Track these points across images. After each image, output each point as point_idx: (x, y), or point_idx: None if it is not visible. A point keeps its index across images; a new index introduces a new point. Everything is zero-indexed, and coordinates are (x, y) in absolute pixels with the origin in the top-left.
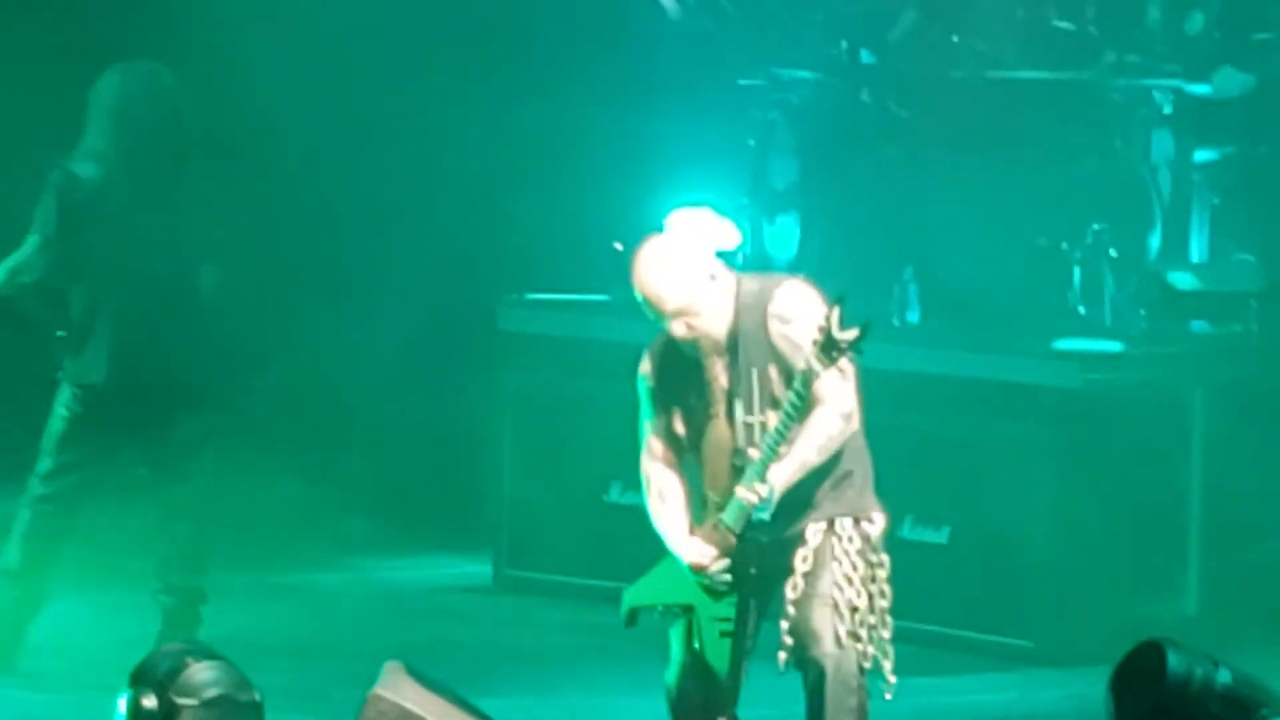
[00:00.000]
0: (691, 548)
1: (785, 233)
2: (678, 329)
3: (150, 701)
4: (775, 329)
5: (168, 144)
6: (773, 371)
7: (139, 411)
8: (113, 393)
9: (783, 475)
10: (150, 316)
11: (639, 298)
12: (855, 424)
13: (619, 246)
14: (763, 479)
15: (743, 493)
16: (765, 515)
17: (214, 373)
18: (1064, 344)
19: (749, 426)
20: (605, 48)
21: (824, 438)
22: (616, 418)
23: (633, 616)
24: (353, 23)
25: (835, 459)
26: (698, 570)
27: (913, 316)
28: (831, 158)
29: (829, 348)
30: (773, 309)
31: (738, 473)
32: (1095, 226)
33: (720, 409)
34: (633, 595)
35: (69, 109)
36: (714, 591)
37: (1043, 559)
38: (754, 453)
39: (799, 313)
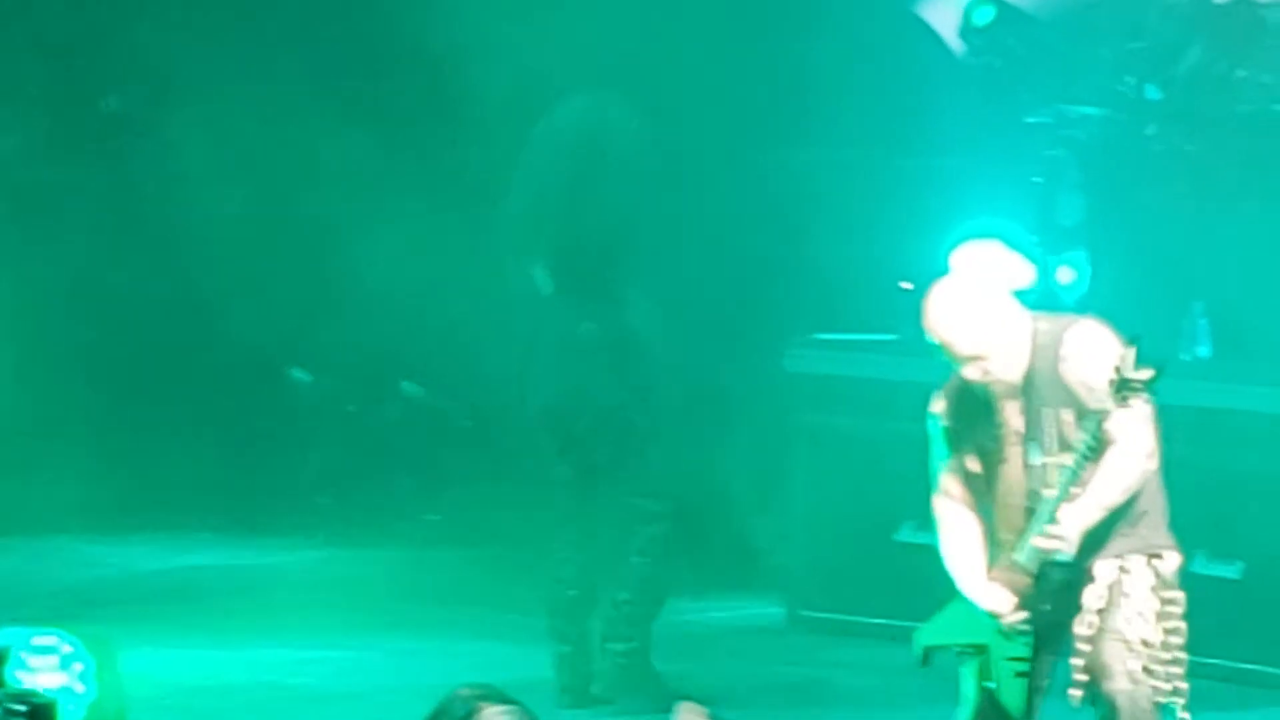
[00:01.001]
0: (990, 594)
1: (1074, 270)
2: (971, 373)
3: None
4: (1068, 370)
5: None
6: (1066, 414)
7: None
8: None
9: (1083, 517)
10: None
11: (932, 341)
12: (1155, 463)
13: (907, 286)
14: (1054, 520)
15: (1039, 540)
16: (1066, 558)
17: None
18: None
19: (1044, 468)
20: (895, 87)
21: (1125, 478)
22: (906, 457)
23: (926, 656)
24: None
25: (1130, 497)
26: (995, 616)
27: (1204, 351)
28: (1118, 194)
29: (1123, 387)
30: (1065, 350)
31: (1030, 514)
32: None
33: (1014, 450)
34: (926, 635)
35: None
36: (1009, 631)
37: None
38: (1048, 492)
39: (1092, 353)
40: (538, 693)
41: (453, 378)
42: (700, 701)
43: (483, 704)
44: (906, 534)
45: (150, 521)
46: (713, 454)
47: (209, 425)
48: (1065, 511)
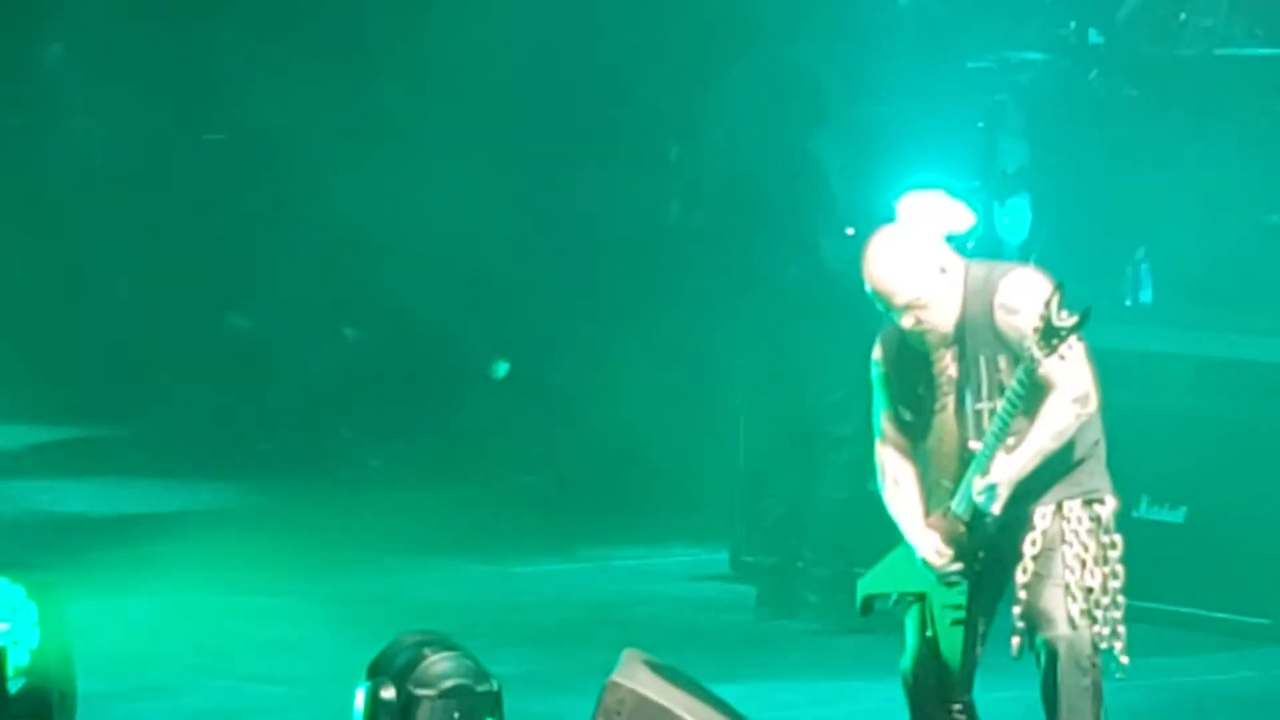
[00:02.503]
0: (926, 541)
1: (1016, 215)
2: (906, 321)
3: (388, 693)
4: (1002, 318)
5: None
6: (1001, 361)
7: None
8: None
9: (1016, 466)
10: None
11: (868, 289)
12: (1092, 406)
13: (850, 232)
14: (986, 471)
15: (976, 496)
16: (992, 509)
17: None
18: None
19: (978, 414)
20: (836, 34)
21: (1059, 424)
22: None
23: (867, 605)
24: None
25: (1066, 443)
26: (930, 563)
27: (1146, 296)
28: (1061, 139)
29: (1049, 335)
30: (999, 299)
31: (967, 462)
32: None
33: (949, 398)
34: (867, 584)
35: None
36: (947, 579)
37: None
38: (974, 445)
39: (1025, 301)
40: (480, 638)
41: (393, 322)
42: (645, 648)
43: (427, 649)
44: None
45: (90, 468)
46: (658, 400)
47: (148, 371)
48: (999, 461)
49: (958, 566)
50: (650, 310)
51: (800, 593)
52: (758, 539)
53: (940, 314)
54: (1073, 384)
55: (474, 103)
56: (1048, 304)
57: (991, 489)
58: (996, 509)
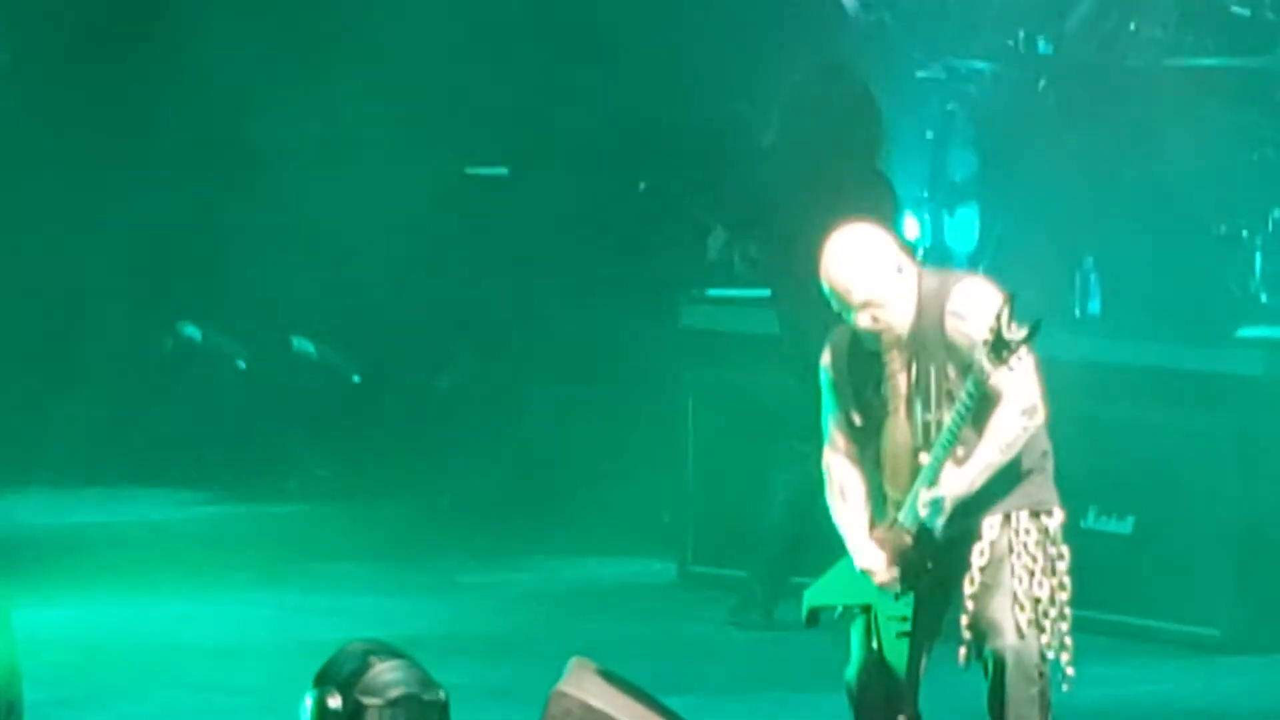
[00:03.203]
0: (867, 552)
1: (965, 225)
2: (863, 320)
3: (335, 701)
4: (952, 325)
5: None
6: (950, 370)
7: None
8: None
9: (965, 479)
10: None
11: (826, 288)
12: (1039, 418)
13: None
14: (933, 483)
15: (921, 508)
16: (937, 523)
17: None
18: (1247, 332)
19: (926, 424)
20: (783, 41)
21: (1007, 437)
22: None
23: (813, 616)
24: None
25: (1015, 455)
26: (871, 575)
27: (1094, 306)
28: (1010, 149)
29: (999, 347)
30: (950, 306)
31: (915, 471)
32: (1276, 214)
33: (900, 406)
34: (812, 595)
35: None
36: (892, 591)
37: (1228, 548)
38: (924, 453)
39: (975, 310)
40: (427, 648)
41: (344, 333)
42: (592, 657)
43: (373, 658)
44: None
45: (38, 477)
46: (604, 409)
47: (97, 380)
48: (947, 473)
49: (895, 576)
50: (602, 320)
51: (766, 604)
52: (721, 549)
53: (896, 314)
54: (1021, 396)
55: (421, 109)
56: (999, 316)
57: (937, 502)
58: (940, 522)
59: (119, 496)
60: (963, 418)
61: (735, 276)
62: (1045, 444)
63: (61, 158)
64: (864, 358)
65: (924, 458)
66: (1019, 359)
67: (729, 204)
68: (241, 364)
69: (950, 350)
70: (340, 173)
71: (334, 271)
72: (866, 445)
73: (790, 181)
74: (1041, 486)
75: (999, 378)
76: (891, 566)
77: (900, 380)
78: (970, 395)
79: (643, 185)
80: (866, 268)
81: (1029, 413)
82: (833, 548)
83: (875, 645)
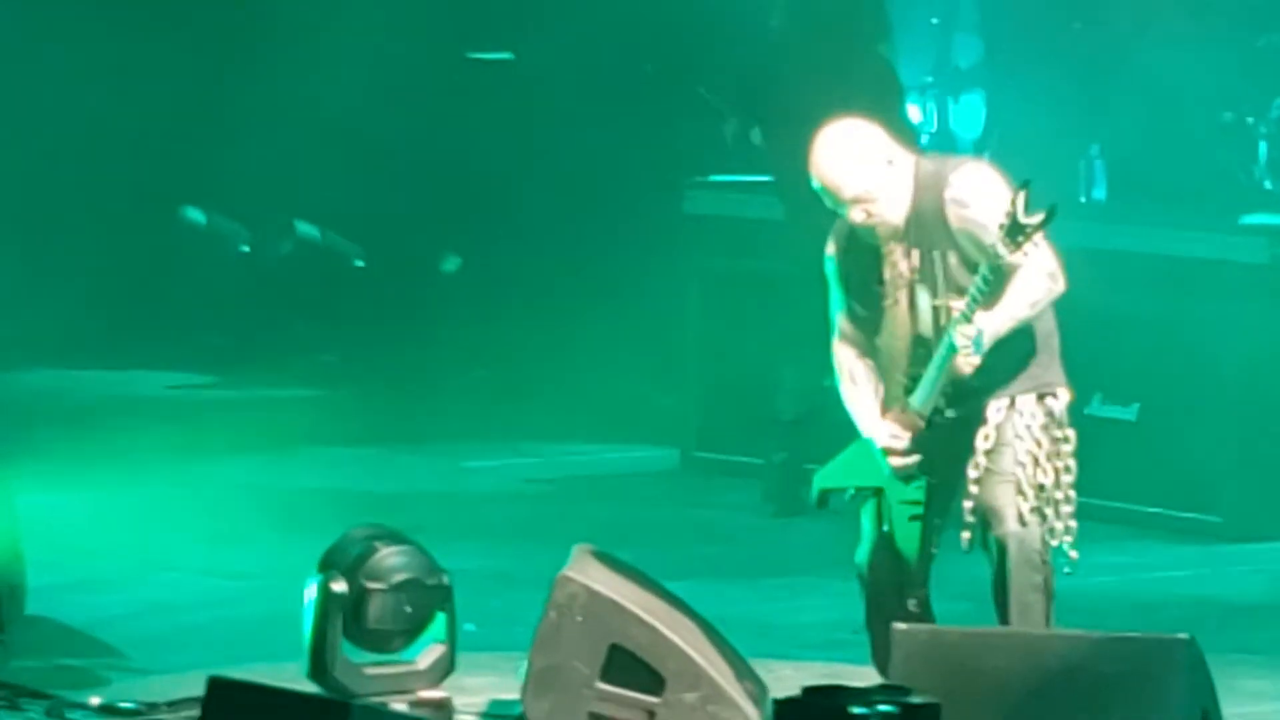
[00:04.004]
0: (882, 430)
1: (970, 111)
2: (855, 215)
3: (340, 586)
4: (953, 212)
5: None
6: (953, 257)
7: None
8: None
9: (992, 325)
10: None
11: (816, 185)
12: (1061, 285)
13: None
14: (948, 359)
15: (959, 341)
16: (978, 355)
17: None
18: (1252, 219)
19: (936, 310)
20: None
21: (1034, 295)
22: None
23: (823, 499)
24: None
25: (1019, 336)
26: (888, 453)
27: (1099, 193)
28: (1016, 34)
29: (1014, 232)
30: (950, 193)
31: (921, 358)
32: None
33: (902, 293)
34: (823, 478)
35: None
36: (903, 475)
37: (1231, 435)
38: (956, 305)
39: (977, 195)
40: (431, 533)
41: (347, 217)
42: (596, 543)
43: (378, 543)
44: None
45: (41, 360)
46: (607, 296)
47: (101, 263)
48: (977, 317)
49: (915, 459)
50: (606, 205)
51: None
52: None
53: (889, 208)
54: (1044, 262)
55: None
56: (1014, 202)
57: (978, 337)
58: (976, 361)
59: (122, 380)
60: (977, 302)
61: (753, 163)
62: (1051, 324)
63: (63, 38)
64: (864, 249)
65: (951, 311)
66: (1034, 244)
67: (734, 87)
68: (245, 247)
69: (951, 236)
70: (345, 57)
71: (338, 155)
72: (873, 334)
73: (795, 66)
74: (1047, 368)
75: (1015, 262)
76: (905, 439)
77: (903, 266)
78: (986, 280)
79: (649, 68)
80: (855, 164)
81: (1052, 276)
82: (842, 432)
83: (886, 528)
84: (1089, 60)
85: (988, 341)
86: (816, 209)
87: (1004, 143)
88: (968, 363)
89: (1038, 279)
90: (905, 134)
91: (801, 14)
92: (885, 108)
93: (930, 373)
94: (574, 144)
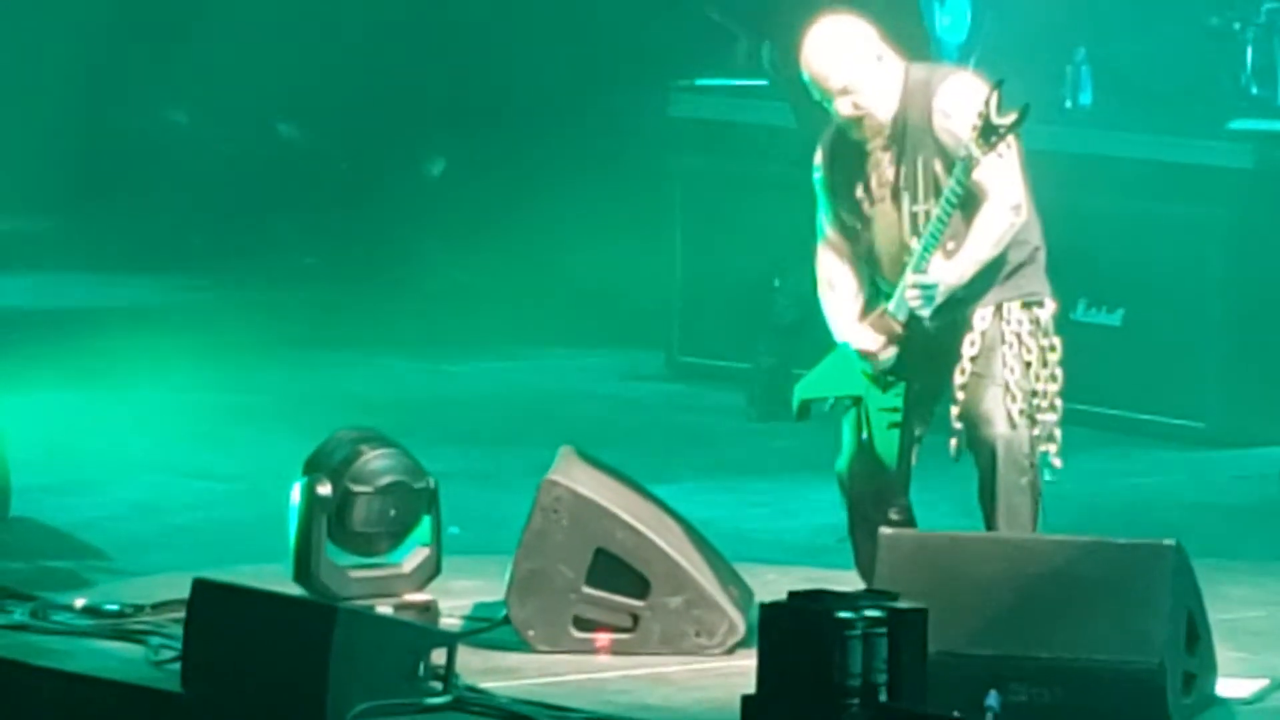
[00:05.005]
0: (859, 334)
1: (956, 15)
2: (843, 107)
3: (325, 489)
4: (939, 123)
5: None
6: (937, 164)
7: None
8: None
9: (954, 272)
10: None
11: (804, 76)
12: (1025, 214)
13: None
14: (922, 269)
15: (910, 292)
16: (926, 310)
17: None
18: (1238, 124)
19: (914, 215)
20: None
21: (995, 232)
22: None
23: (804, 409)
24: None
25: (1005, 248)
26: (865, 357)
27: (1085, 98)
28: None
29: (988, 133)
30: (937, 102)
31: (905, 265)
32: (1268, 5)
33: (886, 200)
34: (803, 388)
35: None
36: (881, 382)
37: (1216, 340)
38: (914, 242)
39: (963, 106)
40: (416, 435)
41: (331, 120)
42: (581, 445)
43: (363, 446)
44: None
45: (25, 261)
46: (592, 199)
47: (84, 165)
48: (936, 263)
49: (892, 352)
50: (591, 107)
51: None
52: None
53: (877, 101)
54: (1008, 193)
55: None
56: (987, 102)
57: (929, 290)
58: (928, 311)
59: (104, 282)
60: (951, 205)
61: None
62: (1038, 238)
63: None
64: (851, 153)
65: (914, 244)
66: (1008, 146)
67: (744, 4)
68: (228, 150)
69: (937, 145)
70: None
71: (322, 58)
72: (858, 241)
73: None
74: (1033, 279)
75: (985, 170)
76: (883, 341)
77: (888, 172)
78: (959, 182)
79: None
80: (844, 53)
81: (1016, 209)
82: (833, 340)
83: (866, 436)
84: None
85: (943, 293)
86: (827, 121)
87: (989, 48)
88: (920, 312)
89: (1000, 214)
90: (920, 40)
91: None
92: (901, 12)
93: (905, 280)
94: (558, 46)
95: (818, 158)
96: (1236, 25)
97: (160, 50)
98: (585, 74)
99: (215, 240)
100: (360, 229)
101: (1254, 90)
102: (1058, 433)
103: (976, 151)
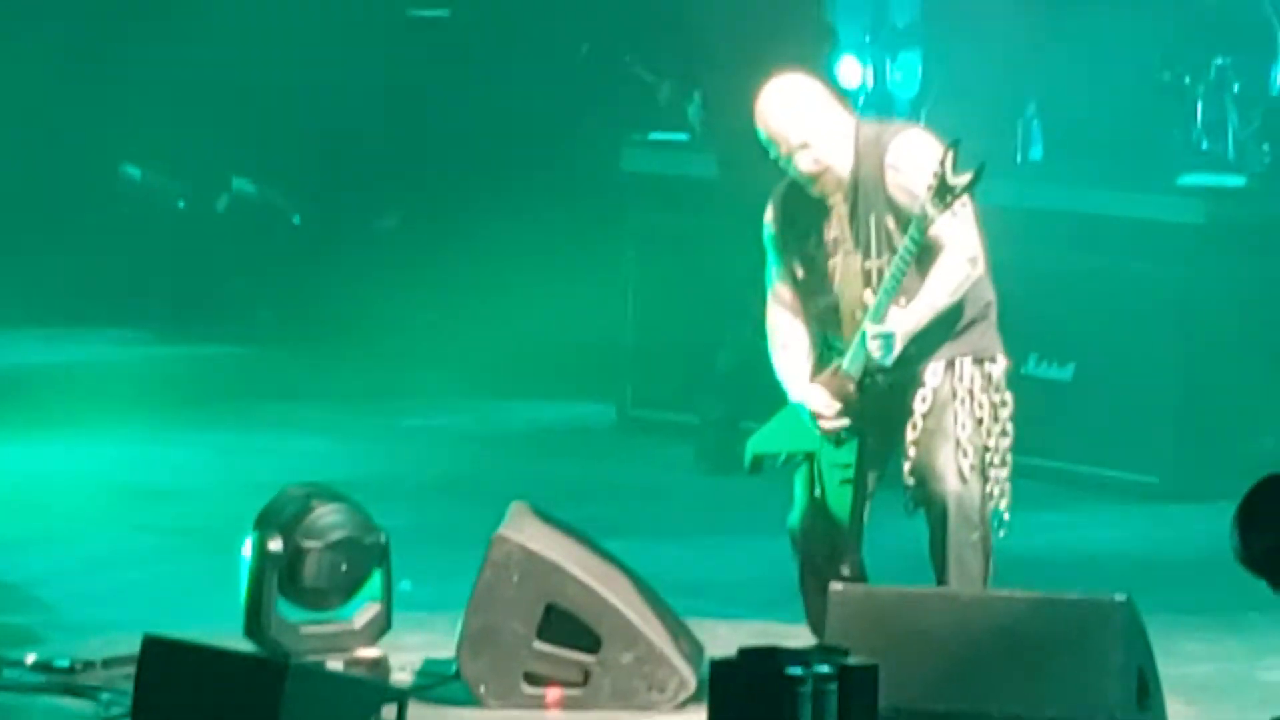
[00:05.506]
0: (813, 396)
1: (907, 70)
2: (803, 163)
3: (276, 544)
4: (891, 178)
5: None
6: (890, 220)
7: None
8: None
9: (911, 319)
10: None
11: (762, 135)
12: (981, 268)
13: None
14: (879, 319)
15: (871, 342)
16: (887, 361)
17: None
18: (1188, 179)
19: (868, 272)
20: None
21: (952, 282)
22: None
23: (756, 464)
24: None
25: (957, 302)
26: (818, 418)
27: (1036, 153)
28: None
29: (943, 192)
30: (889, 159)
31: (857, 322)
32: (1218, 61)
33: (839, 257)
34: (756, 443)
35: None
36: (834, 438)
37: (1167, 395)
38: (870, 296)
39: (914, 162)
40: (368, 491)
41: (285, 174)
42: (532, 500)
43: (314, 501)
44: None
45: None
46: (544, 253)
47: (37, 219)
48: (893, 313)
49: (845, 421)
50: (543, 162)
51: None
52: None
53: (835, 155)
54: (964, 245)
55: None
56: (942, 161)
57: (888, 338)
58: (890, 359)
59: (59, 336)
60: (905, 263)
61: (687, 125)
62: (989, 294)
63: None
64: (806, 209)
65: (869, 297)
66: (962, 204)
67: (671, 54)
68: (181, 204)
69: (889, 201)
70: (283, 12)
71: (276, 113)
72: (809, 298)
73: (726, 22)
74: (984, 335)
75: (941, 226)
76: (837, 405)
77: (841, 231)
78: (914, 240)
79: (585, 48)
80: (802, 109)
81: (973, 261)
82: (779, 392)
83: (818, 492)
84: (1026, 19)
85: (900, 342)
86: (751, 166)
87: (940, 102)
88: (884, 362)
89: (957, 265)
90: (837, 96)
91: None
92: (816, 65)
93: (859, 338)
94: (511, 101)
95: (768, 215)
96: (1187, 80)
97: (115, 105)
98: (539, 128)
99: (167, 295)
100: (313, 282)
101: (1204, 145)
102: (1009, 488)
103: (931, 211)
